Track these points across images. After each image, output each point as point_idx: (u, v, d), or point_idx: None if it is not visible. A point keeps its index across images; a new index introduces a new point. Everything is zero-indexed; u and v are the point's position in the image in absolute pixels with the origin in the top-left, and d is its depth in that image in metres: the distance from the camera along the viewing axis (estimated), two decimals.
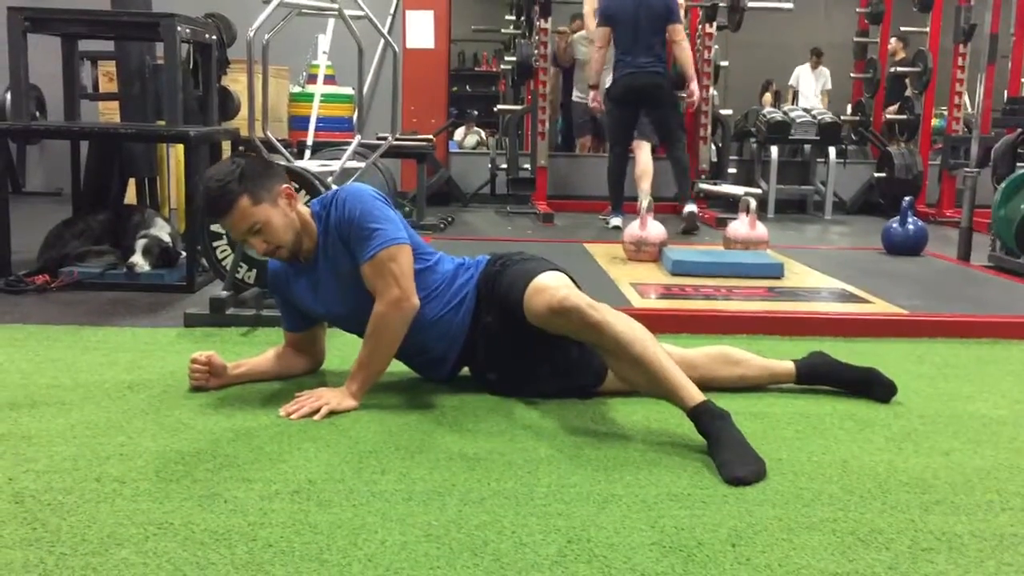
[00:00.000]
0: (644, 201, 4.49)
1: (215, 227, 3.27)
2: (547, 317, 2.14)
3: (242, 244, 2.66)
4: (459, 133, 9.76)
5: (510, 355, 2.37)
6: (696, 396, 2.03)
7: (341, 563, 1.49)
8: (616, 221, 6.14)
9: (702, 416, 2.00)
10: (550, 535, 1.60)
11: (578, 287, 2.26)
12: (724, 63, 7.45)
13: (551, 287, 2.17)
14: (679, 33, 6.09)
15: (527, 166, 7.27)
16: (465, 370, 2.51)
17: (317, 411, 2.19)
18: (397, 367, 2.45)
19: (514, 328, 2.28)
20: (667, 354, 2.10)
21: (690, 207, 6.07)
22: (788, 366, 2.49)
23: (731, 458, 1.90)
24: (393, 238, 2.26)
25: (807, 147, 7.60)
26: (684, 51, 6.16)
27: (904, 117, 8.06)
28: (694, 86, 6.22)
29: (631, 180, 6.20)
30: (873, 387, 2.44)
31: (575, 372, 2.37)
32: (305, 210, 2.35)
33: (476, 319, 2.38)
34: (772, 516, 1.70)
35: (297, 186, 3.20)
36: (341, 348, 2.64)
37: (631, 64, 5.98)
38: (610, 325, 2.08)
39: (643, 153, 6.18)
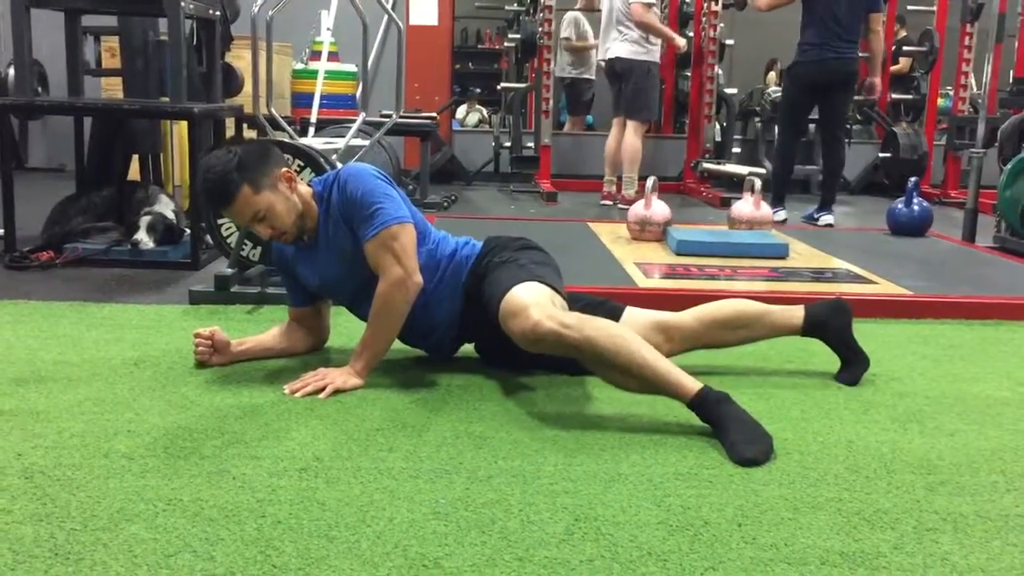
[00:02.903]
0: (650, 181, 4.48)
1: None
2: (523, 343, 2.09)
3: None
4: (461, 111, 9.73)
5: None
6: (691, 387, 1.99)
7: (349, 540, 1.50)
8: (782, 214, 5.72)
9: (701, 405, 1.99)
10: (557, 513, 1.61)
11: (558, 292, 2.20)
12: (729, 42, 7.40)
13: (523, 310, 2.06)
14: None
15: (531, 144, 7.25)
16: (469, 349, 2.51)
17: (322, 390, 2.19)
18: (402, 346, 2.45)
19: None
20: (652, 351, 2.03)
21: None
22: (795, 323, 2.41)
23: (738, 438, 1.90)
24: (395, 217, 2.25)
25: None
26: None
27: (909, 97, 8.02)
28: None
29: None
30: (851, 368, 2.43)
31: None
32: (306, 191, 2.34)
33: (467, 301, 2.37)
34: (778, 496, 1.71)
35: (302, 163, 3.20)
36: (346, 326, 2.64)
37: None
38: (589, 341, 2.01)
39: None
